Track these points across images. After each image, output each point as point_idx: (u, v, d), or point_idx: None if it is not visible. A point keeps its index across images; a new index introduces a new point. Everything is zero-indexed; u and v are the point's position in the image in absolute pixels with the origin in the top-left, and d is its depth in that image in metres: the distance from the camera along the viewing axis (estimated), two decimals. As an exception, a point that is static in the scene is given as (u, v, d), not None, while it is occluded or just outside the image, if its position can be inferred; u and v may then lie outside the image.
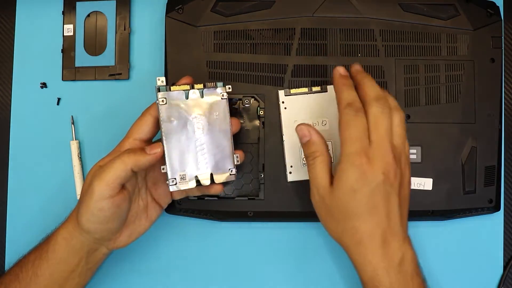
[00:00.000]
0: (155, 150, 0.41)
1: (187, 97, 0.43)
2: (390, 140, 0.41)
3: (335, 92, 0.43)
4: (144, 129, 0.43)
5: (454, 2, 0.51)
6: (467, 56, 0.50)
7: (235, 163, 0.44)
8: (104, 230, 0.43)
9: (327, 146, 0.43)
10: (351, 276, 0.51)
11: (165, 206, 0.47)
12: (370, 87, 0.42)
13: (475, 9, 0.51)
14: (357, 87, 0.43)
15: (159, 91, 0.42)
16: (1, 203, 0.52)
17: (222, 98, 0.44)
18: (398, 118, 0.42)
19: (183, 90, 0.43)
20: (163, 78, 0.42)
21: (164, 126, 0.42)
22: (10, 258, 0.51)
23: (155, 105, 0.43)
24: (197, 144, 0.43)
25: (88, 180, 0.42)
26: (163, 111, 0.42)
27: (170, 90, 0.42)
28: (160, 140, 0.43)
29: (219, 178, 0.44)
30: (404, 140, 0.42)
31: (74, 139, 0.52)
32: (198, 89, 0.43)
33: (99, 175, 0.41)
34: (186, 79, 0.44)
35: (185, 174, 0.43)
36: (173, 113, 0.42)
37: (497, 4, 0.52)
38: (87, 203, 0.41)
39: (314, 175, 0.42)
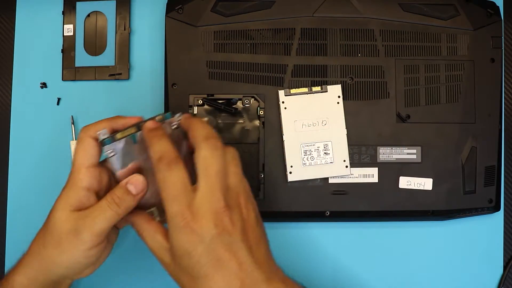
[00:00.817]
0: (141, 188, 0.39)
1: (135, 141, 0.39)
2: (223, 183, 0.36)
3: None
4: (93, 154, 0.39)
5: (454, 2, 0.51)
6: (467, 56, 0.50)
7: None
8: (78, 273, 0.41)
9: (146, 215, 0.40)
10: (350, 275, 0.51)
11: (121, 228, 0.44)
12: (198, 129, 0.38)
13: (475, 9, 0.51)
14: (188, 134, 0.39)
15: (104, 145, 0.38)
16: (1, 203, 0.52)
17: (174, 128, 0.40)
18: (230, 155, 0.38)
19: (129, 135, 0.39)
20: (105, 131, 0.39)
21: (121, 177, 0.39)
22: (10, 258, 0.51)
23: (92, 126, 0.39)
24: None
25: (69, 229, 0.38)
26: (115, 163, 0.39)
27: (115, 139, 0.38)
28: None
29: None
30: (241, 178, 0.38)
31: (74, 139, 0.52)
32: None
33: (88, 227, 0.38)
34: (134, 119, 0.40)
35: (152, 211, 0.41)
36: (125, 161, 0.39)
37: (497, 4, 0.52)
38: (70, 253, 0.38)
39: (152, 248, 0.39)
